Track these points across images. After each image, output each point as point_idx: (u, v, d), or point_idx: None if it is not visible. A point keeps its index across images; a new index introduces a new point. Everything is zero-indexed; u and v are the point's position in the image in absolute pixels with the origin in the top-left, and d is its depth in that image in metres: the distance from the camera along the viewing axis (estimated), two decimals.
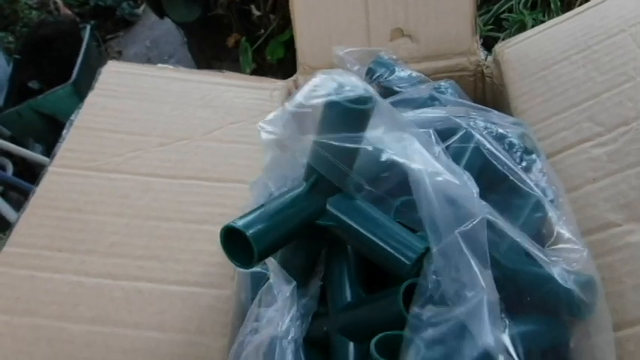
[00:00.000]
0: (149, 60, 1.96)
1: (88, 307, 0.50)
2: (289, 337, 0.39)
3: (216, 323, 0.49)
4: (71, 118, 0.63)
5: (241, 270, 0.42)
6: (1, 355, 0.47)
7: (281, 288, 0.41)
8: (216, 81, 0.69)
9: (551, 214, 0.41)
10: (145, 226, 0.55)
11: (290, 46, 1.38)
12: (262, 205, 0.40)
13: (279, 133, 0.42)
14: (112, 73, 0.68)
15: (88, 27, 1.88)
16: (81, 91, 1.71)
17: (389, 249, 0.38)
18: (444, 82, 0.58)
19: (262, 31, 1.40)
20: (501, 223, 0.35)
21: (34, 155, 1.54)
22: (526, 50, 0.61)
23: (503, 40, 0.77)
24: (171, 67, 0.70)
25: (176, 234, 0.55)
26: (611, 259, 0.44)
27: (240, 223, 0.37)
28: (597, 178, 0.48)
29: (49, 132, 1.73)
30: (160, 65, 0.70)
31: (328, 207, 0.41)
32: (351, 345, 0.42)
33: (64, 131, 0.62)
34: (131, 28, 2.16)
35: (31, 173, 1.64)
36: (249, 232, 0.37)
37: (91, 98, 0.65)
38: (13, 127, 1.64)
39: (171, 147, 0.61)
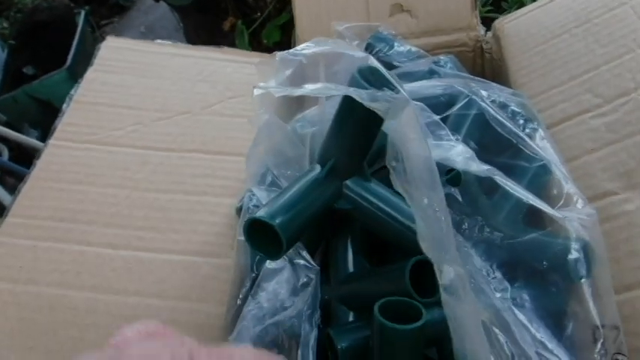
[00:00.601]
0: None
1: (89, 276, 0.50)
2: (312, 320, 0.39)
3: (216, 291, 0.50)
4: (71, 92, 0.63)
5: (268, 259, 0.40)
6: (5, 322, 0.47)
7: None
8: (215, 56, 0.69)
9: (559, 175, 0.41)
10: (144, 198, 0.55)
11: (286, 29, 1.38)
12: (281, 193, 0.39)
13: (272, 86, 0.41)
14: (111, 49, 0.68)
15: (83, 12, 1.87)
16: (76, 76, 1.70)
17: (407, 231, 0.37)
18: (444, 57, 0.59)
19: (258, 14, 1.39)
20: (508, 182, 0.36)
21: (30, 140, 1.54)
22: (525, 25, 0.61)
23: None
24: (169, 42, 0.70)
25: (176, 205, 0.55)
26: (609, 227, 0.45)
27: (265, 214, 0.36)
28: (596, 148, 0.48)
29: (44, 117, 1.72)
30: (158, 41, 0.70)
31: (346, 191, 0.40)
32: (351, 315, 0.42)
33: (64, 105, 0.62)
34: (126, 14, 2.15)
35: (27, 158, 1.63)
36: (276, 222, 0.35)
37: (91, 74, 0.65)
38: (8, 113, 1.63)
39: (171, 121, 0.62)
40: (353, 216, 0.41)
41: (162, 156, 0.58)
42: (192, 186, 0.57)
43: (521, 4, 1.01)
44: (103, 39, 2.04)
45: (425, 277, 0.36)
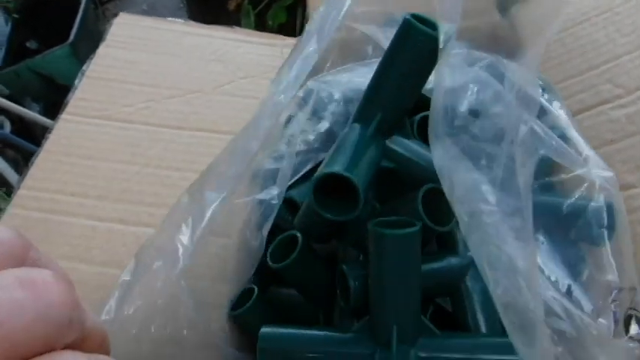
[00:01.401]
0: None
1: (100, 251, 0.50)
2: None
3: (225, 271, 0.49)
4: (83, 68, 0.62)
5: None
6: None
7: None
8: (227, 36, 0.68)
9: (578, 140, 0.41)
10: (156, 175, 0.55)
11: (292, 11, 1.37)
12: (336, 152, 0.37)
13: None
14: (123, 25, 0.67)
15: None
16: (78, 52, 1.69)
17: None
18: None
19: None
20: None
21: (32, 114, 1.53)
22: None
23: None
24: (181, 20, 0.69)
25: (187, 183, 0.55)
26: (628, 220, 0.44)
27: (339, 169, 0.34)
28: (615, 139, 0.48)
29: (46, 92, 1.72)
30: (170, 19, 0.69)
31: (391, 147, 0.39)
32: (361, 257, 0.42)
33: (76, 80, 0.62)
34: None
35: (29, 132, 1.63)
36: (352, 176, 0.34)
37: (103, 49, 0.65)
38: (10, 87, 1.63)
39: (183, 99, 0.61)
40: (394, 174, 0.40)
41: (173, 134, 0.58)
42: (203, 165, 0.56)
43: None
44: (105, 16, 2.04)
45: (437, 207, 0.36)
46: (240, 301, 0.46)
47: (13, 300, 0.16)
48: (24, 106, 1.56)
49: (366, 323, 0.37)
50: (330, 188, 0.36)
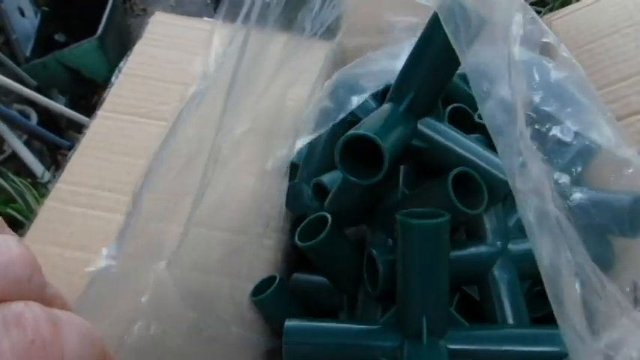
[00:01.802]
0: None
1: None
2: None
3: (263, 272, 0.51)
4: (120, 65, 0.64)
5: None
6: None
7: None
8: (260, 38, 0.69)
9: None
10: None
11: None
12: (370, 119, 0.37)
13: None
14: (160, 24, 0.69)
15: None
16: (106, 46, 1.72)
17: (486, 165, 0.37)
18: None
19: None
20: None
21: (58, 106, 1.56)
22: (575, 22, 0.61)
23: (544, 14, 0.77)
24: (219, 22, 0.70)
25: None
26: None
27: (366, 132, 0.34)
28: None
29: (73, 85, 1.74)
30: (205, 19, 0.70)
31: (423, 128, 0.39)
32: (390, 241, 0.43)
33: (113, 77, 0.63)
34: None
35: (55, 124, 1.66)
36: (376, 136, 0.34)
37: (139, 47, 0.66)
38: (38, 78, 1.65)
39: None
40: (425, 155, 0.41)
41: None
42: (239, 164, 0.57)
43: (566, 1, 1.00)
44: (132, 10, 2.06)
45: (468, 190, 0.36)
46: (261, 287, 0.47)
47: None
48: (50, 99, 1.59)
49: (393, 315, 0.38)
50: (360, 158, 0.36)
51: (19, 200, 1.47)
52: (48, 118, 1.66)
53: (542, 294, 0.37)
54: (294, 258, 0.54)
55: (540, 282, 0.31)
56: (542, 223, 0.27)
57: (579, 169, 0.42)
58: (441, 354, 0.34)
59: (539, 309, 0.41)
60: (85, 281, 0.49)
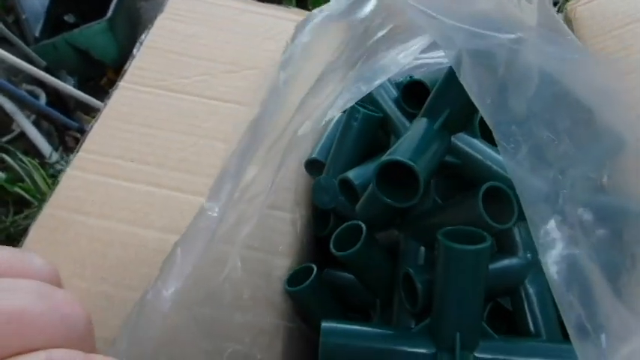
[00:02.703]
0: None
1: (158, 217, 0.51)
2: None
3: (283, 245, 0.51)
4: (141, 37, 0.64)
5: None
6: (78, 252, 0.49)
7: None
8: (282, 15, 0.69)
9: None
10: (212, 147, 0.56)
11: None
12: (402, 142, 0.38)
13: None
14: None
15: None
16: (115, 28, 1.71)
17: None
18: None
19: None
20: None
21: (67, 87, 1.55)
22: (601, 8, 0.61)
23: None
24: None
25: None
26: None
27: (401, 157, 0.36)
28: None
29: (82, 66, 1.74)
30: None
31: (457, 144, 0.40)
32: (422, 249, 0.43)
33: (134, 50, 0.63)
34: None
35: (63, 105, 1.65)
36: (414, 164, 0.35)
37: (160, 21, 0.66)
38: (47, 59, 1.65)
39: (240, 75, 0.62)
40: (458, 170, 0.41)
41: (230, 107, 0.59)
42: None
43: None
44: None
45: (498, 205, 0.36)
46: (295, 277, 0.47)
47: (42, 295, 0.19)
48: (59, 79, 1.59)
49: (427, 326, 0.38)
50: (394, 176, 0.37)
51: (27, 180, 1.47)
52: (57, 98, 1.66)
53: None
54: (313, 247, 0.54)
55: None
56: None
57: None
58: None
59: None
60: (108, 249, 0.49)
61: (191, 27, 0.66)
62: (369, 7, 0.41)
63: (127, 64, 0.62)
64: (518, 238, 0.42)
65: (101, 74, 1.80)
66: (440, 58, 0.56)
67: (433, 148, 0.38)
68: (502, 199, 0.37)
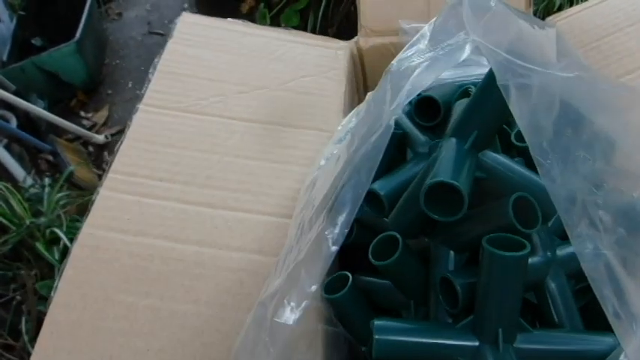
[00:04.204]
0: (150, 24, 1.96)
1: (193, 231, 0.54)
2: None
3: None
4: (154, 61, 0.67)
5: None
6: (120, 269, 0.51)
7: None
8: (284, 37, 0.73)
9: None
10: (235, 163, 0.60)
11: (304, 14, 1.42)
12: (443, 161, 0.42)
13: None
14: (188, 24, 0.72)
15: None
16: (84, 49, 1.71)
17: (539, 191, 0.42)
18: None
19: None
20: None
21: (38, 109, 1.55)
22: (579, 23, 0.67)
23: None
24: (240, 21, 0.74)
25: (264, 172, 0.60)
26: None
27: (447, 178, 0.40)
28: None
29: (51, 88, 1.73)
30: (229, 19, 0.74)
31: (484, 160, 0.45)
32: (452, 253, 0.47)
33: (149, 74, 0.66)
34: None
35: (34, 128, 1.64)
36: (457, 183, 0.39)
37: (171, 46, 0.69)
38: (16, 82, 1.64)
39: (251, 95, 0.66)
40: (484, 183, 0.46)
41: (246, 126, 0.63)
42: (277, 155, 0.61)
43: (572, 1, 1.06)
44: (108, 15, 2.05)
45: (524, 212, 0.40)
46: (331, 284, 0.50)
47: None
48: (30, 102, 1.58)
49: (471, 322, 0.42)
50: (433, 194, 0.41)
51: (3, 205, 1.45)
52: (27, 121, 1.65)
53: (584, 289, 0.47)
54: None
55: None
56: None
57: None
58: (514, 357, 0.40)
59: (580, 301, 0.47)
60: (148, 264, 0.52)
61: (199, 51, 0.69)
62: None
63: (144, 87, 0.64)
64: (537, 239, 0.46)
65: (70, 96, 1.79)
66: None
67: (467, 166, 0.42)
68: (526, 207, 0.41)
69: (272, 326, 0.36)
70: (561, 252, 0.47)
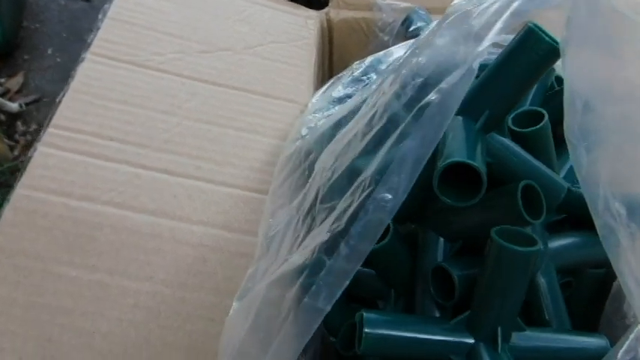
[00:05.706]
0: None
1: (149, 199, 0.47)
2: None
3: None
4: (104, 6, 0.59)
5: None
6: (63, 237, 0.43)
7: None
8: (252, 0, 0.67)
9: None
10: (197, 128, 0.53)
11: None
12: (454, 141, 0.37)
13: None
14: None
15: None
16: (1, 12, 1.56)
17: (544, 180, 0.40)
18: None
19: None
20: None
21: None
22: None
23: None
24: None
25: (229, 140, 0.53)
26: None
27: (463, 158, 0.35)
28: None
29: None
30: None
31: (491, 143, 0.40)
32: (442, 241, 0.43)
33: (99, 21, 0.58)
34: None
35: None
36: (476, 164, 0.35)
37: None
38: None
39: (214, 55, 0.59)
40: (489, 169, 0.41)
41: (209, 89, 0.56)
42: (243, 123, 0.55)
43: None
44: None
45: (530, 201, 0.37)
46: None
47: None
48: None
49: (467, 318, 0.39)
50: (445, 177, 0.37)
51: None
52: None
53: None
54: None
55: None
56: None
57: None
58: (511, 357, 0.37)
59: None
60: (97, 233, 0.44)
61: (157, 1, 0.61)
62: None
63: (91, 35, 0.56)
64: (532, 232, 0.43)
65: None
66: None
67: (480, 147, 0.38)
68: (532, 196, 0.38)
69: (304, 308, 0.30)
70: (552, 245, 0.45)
